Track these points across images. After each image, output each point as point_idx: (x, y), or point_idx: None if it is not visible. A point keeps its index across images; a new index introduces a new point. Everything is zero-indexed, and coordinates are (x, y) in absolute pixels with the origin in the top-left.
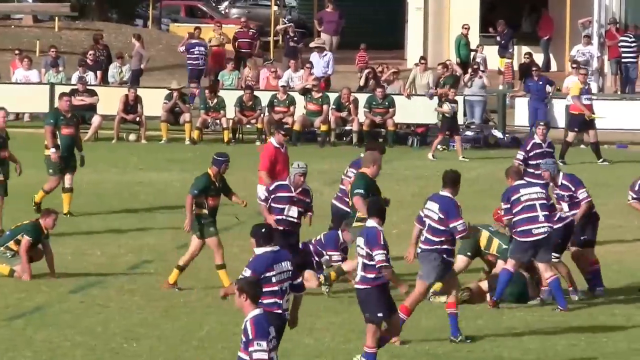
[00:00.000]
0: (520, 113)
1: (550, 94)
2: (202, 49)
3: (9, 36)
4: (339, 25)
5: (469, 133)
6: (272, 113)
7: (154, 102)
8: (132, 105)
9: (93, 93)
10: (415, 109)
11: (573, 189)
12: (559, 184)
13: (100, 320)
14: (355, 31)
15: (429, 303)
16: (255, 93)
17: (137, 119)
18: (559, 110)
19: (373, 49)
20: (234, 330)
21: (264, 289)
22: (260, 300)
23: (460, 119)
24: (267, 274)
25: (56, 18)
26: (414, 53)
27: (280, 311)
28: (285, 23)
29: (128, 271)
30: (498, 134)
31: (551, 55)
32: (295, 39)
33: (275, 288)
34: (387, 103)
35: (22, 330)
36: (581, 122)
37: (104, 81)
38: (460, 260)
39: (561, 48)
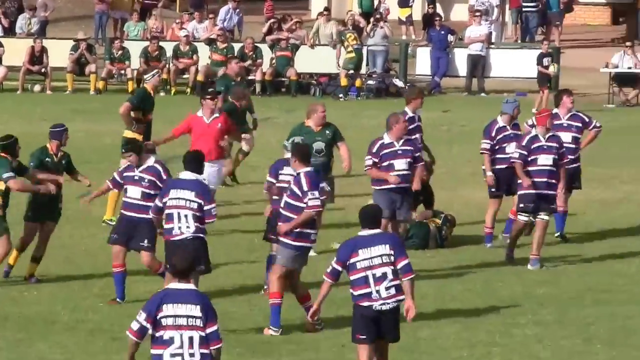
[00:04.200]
0: (422, 62)
1: (452, 43)
2: None
3: None
4: None
5: (370, 82)
6: (176, 63)
7: (60, 53)
8: (38, 57)
9: None
10: (318, 59)
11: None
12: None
13: None
14: None
15: None
16: (161, 44)
17: (43, 70)
18: (460, 59)
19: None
20: None
21: (351, 277)
22: (351, 292)
23: (363, 69)
24: (351, 260)
25: None
26: (318, 3)
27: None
28: None
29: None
30: (399, 83)
31: (451, 4)
32: None
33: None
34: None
35: None
36: None
37: (12, 32)
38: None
39: None
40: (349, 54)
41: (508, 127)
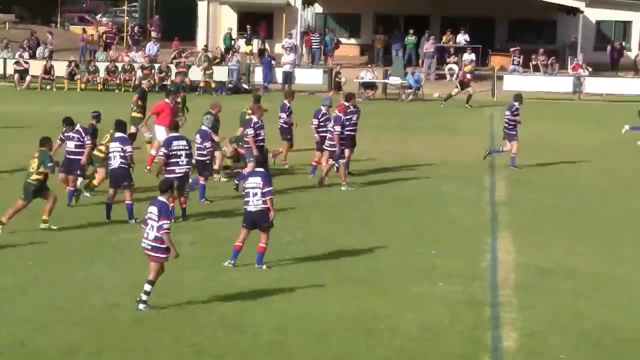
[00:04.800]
0: (258, 75)
1: (274, 65)
2: None
3: None
4: (161, 27)
5: (230, 85)
6: (124, 75)
7: (61, 68)
8: (48, 70)
9: (27, 63)
10: (201, 73)
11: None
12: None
13: None
14: (172, 29)
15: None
16: (116, 64)
17: (51, 77)
18: (278, 74)
19: (181, 40)
20: None
21: (244, 192)
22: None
23: (225, 78)
24: (244, 183)
25: (6, 22)
26: (201, 42)
27: None
28: (133, 26)
29: None
30: (245, 86)
31: (273, 44)
32: (138, 35)
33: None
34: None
35: None
36: (464, 84)
37: (34, 56)
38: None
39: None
40: (208, 71)
41: (327, 113)
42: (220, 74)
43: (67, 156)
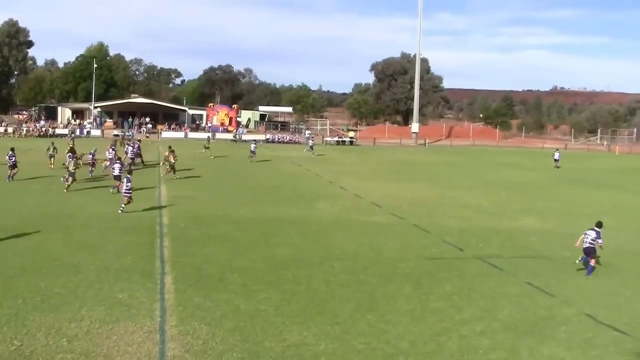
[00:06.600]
0: (78, 132)
1: (84, 128)
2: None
3: None
4: (46, 115)
5: (71, 135)
6: (33, 131)
7: (10, 130)
8: (6, 130)
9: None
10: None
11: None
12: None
13: None
14: (49, 116)
15: None
16: (30, 128)
17: (7, 133)
18: (85, 131)
19: (52, 120)
20: None
21: None
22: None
23: (67, 132)
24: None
25: None
26: (59, 120)
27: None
28: (36, 115)
29: None
30: (73, 135)
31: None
32: (38, 118)
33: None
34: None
35: None
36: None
37: (1, 126)
38: None
39: None
40: (64, 129)
41: (118, 145)
42: (65, 130)
43: (11, 162)
